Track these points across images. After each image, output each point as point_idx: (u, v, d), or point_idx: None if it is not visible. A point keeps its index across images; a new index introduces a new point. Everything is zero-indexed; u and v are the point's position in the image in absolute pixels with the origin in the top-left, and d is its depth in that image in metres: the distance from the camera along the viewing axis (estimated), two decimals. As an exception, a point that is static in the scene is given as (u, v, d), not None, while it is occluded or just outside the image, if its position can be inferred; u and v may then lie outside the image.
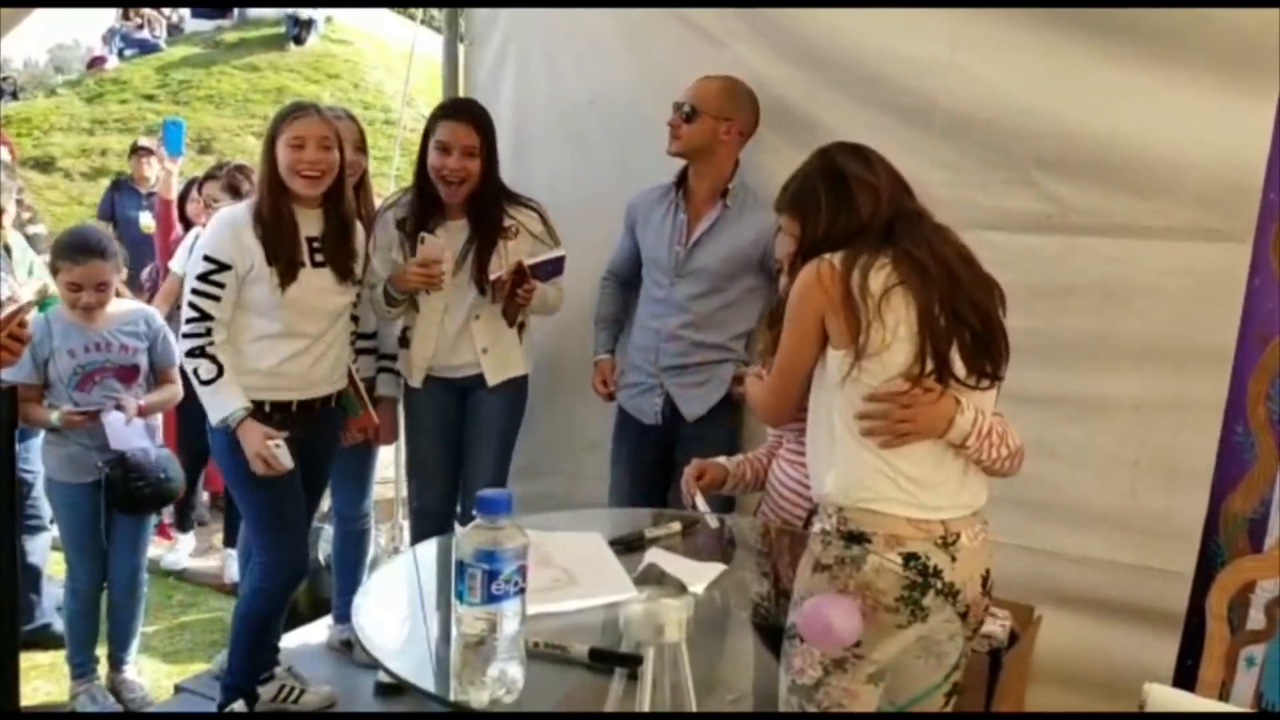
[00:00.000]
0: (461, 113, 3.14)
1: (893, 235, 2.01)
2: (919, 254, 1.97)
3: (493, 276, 3.05)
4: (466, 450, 3.26)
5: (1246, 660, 2.36)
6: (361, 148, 3.34)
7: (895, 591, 1.86)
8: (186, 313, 2.87)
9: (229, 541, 4.74)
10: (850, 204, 2.06)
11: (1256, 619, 2.36)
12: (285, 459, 2.89)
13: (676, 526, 2.12)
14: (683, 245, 3.11)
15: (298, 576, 3.19)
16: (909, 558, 1.96)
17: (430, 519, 3.29)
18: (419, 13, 5.28)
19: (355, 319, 3.21)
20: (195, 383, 2.88)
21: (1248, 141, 2.43)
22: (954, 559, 1.98)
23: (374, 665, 3.60)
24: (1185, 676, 2.47)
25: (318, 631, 3.85)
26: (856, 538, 1.98)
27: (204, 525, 4.99)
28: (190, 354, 2.85)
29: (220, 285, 2.85)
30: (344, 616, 3.74)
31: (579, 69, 3.49)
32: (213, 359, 2.85)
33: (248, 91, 12.02)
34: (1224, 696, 2.38)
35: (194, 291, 2.86)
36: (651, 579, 1.79)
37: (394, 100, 10.80)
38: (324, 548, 4.06)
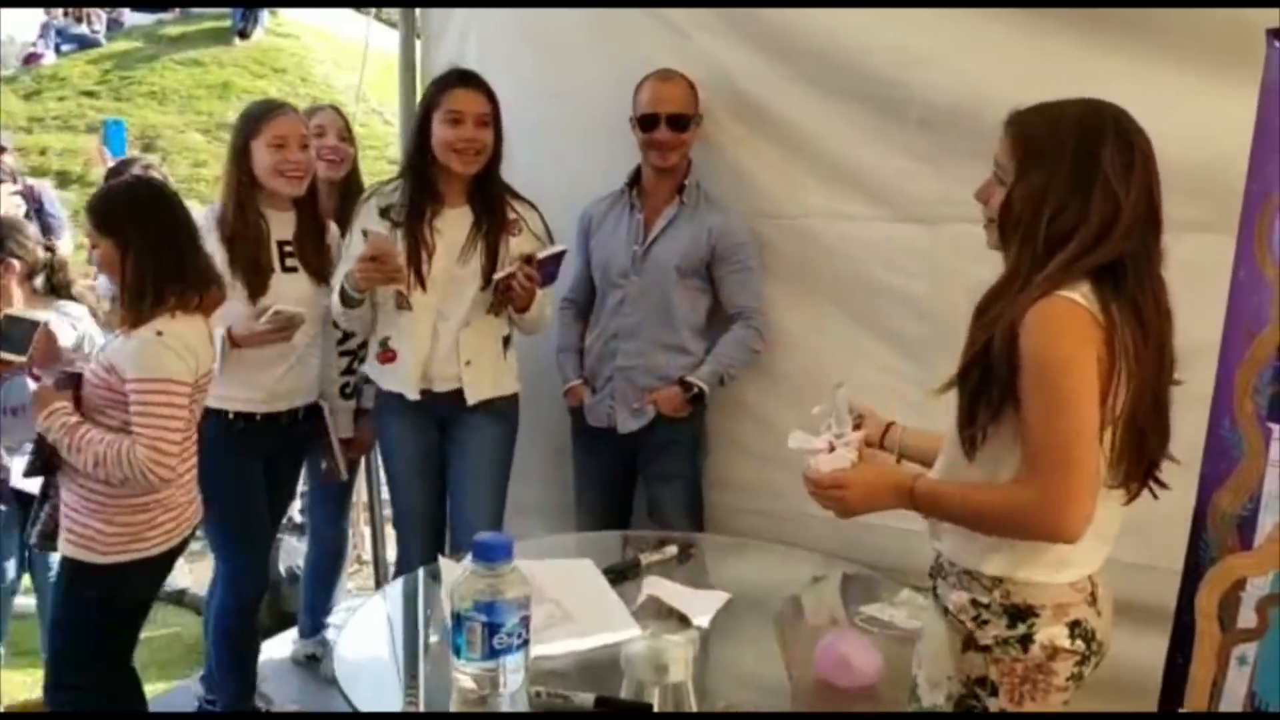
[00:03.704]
0: (472, 80, 2.93)
1: (1121, 277, 1.69)
2: (1139, 318, 1.68)
3: (498, 275, 2.84)
4: (455, 488, 3.02)
5: (1238, 659, 2.32)
6: (346, 137, 3.24)
7: (1067, 671, 1.73)
8: None
9: None
10: (1084, 201, 1.71)
11: (1248, 617, 2.31)
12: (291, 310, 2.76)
13: (672, 550, 2.04)
14: (640, 244, 3.06)
15: (260, 588, 3.13)
16: (1073, 626, 1.77)
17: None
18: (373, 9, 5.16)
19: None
20: None
21: (1229, 133, 2.38)
22: (1099, 613, 1.83)
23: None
24: (1175, 675, 2.43)
25: (282, 646, 3.75)
26: (1022, 612, 1.75)
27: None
28: None
29: None
30: (311, 631, 3.67)
31: (540, 63, 3.41)
32: None
33: (192, 87, 11.71)
34: (1215, 696, 2.35)
35: None
36: (652, 612, 1.70)
37: (343, 94, 10.56)
38: (285, 559, 3.97)
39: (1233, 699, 2.32)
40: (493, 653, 1.26)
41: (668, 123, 2.98)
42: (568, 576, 1.82)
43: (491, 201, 2.93)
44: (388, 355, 2.97)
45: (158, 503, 2.54)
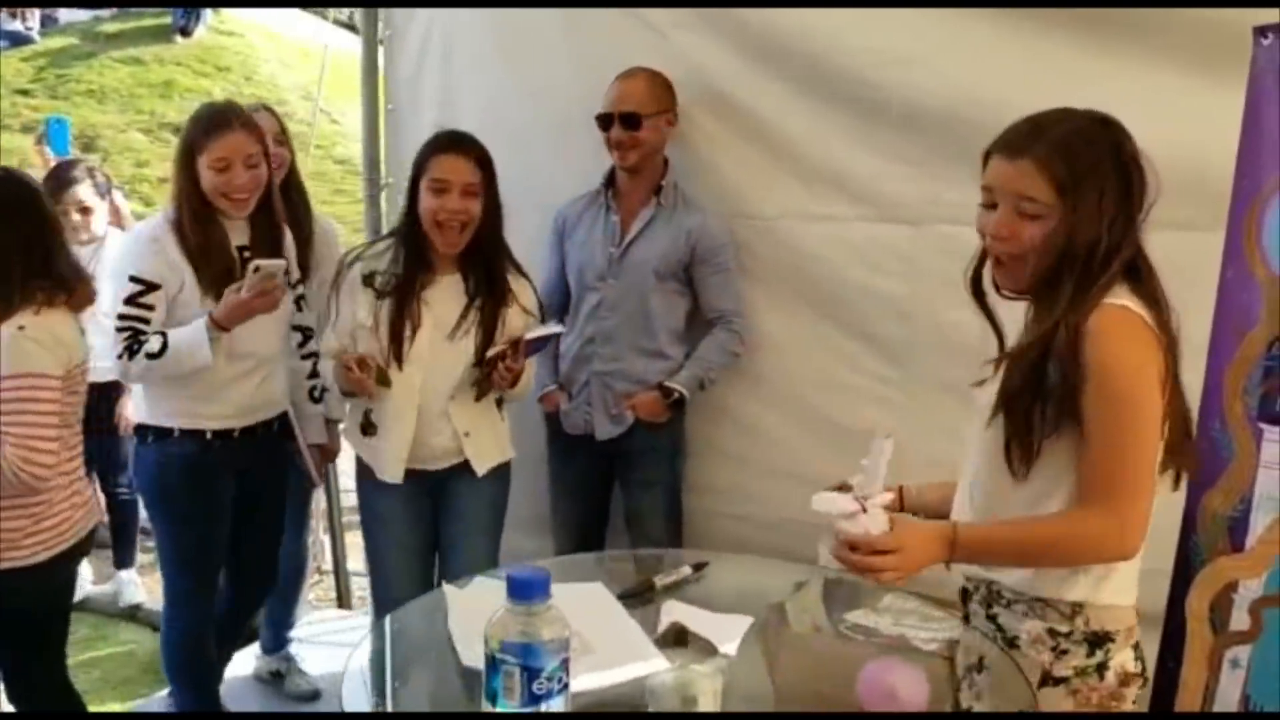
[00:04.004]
0: (461, 145, 2.72)
1: (1139, 274, 1.67)
2: (1166, 313, 1.67)
3: (491, 352, 2.69)
4: (447, 548, 2.86)
5: (1231, 662, 2.31)
6: (282, 140, 3.13)
7: (1133, 695, 1.69)
8: (119, 324, 2.65)
9: (121, 563, 4.46)
10: (1128, 207, 1.67)
11: (1240, 619, 2.30)
12: (273, 264, 2.61)
13: (686, 570, 1.95)
14: (617, 246, 2.99)
15: (205, 615, 2.97)
16: (1135, 648, 1.75)
17: None
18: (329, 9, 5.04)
19: (305, 332, 2.96)
20: (152, 363, 2.62)
21: (1218, 131, 2.36)
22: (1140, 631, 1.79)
23: (307, 696, 3.46)
24: (1167, 679, 2.41)
25: (245, 662, 3.63)
26: (1100, 639, 1.70)
27: (105, 548, 4.67)
28: (131, 355, 2.63)
29: (150, 307, 2.64)
30: (274, 646, 3.57)
31: (511, 63, 3.33)
32: (147, 339, 2.61)
33: (132, 85, 11.41)
34: (1208, 699, 2.33)
35: (121, 316, 2.64)
36: (674, 640, 1.61)
37: (289, 94, 10.39)
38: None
39: (1226, 702, 2.30)
40: (533, 699, 1.17)
41: (620, 121, 2.92)
42: (581, 603, 1.70)
43: (489, 270, 2.77)
44: (368, 428, 2.81)
45: (38, 506, 2.41)
